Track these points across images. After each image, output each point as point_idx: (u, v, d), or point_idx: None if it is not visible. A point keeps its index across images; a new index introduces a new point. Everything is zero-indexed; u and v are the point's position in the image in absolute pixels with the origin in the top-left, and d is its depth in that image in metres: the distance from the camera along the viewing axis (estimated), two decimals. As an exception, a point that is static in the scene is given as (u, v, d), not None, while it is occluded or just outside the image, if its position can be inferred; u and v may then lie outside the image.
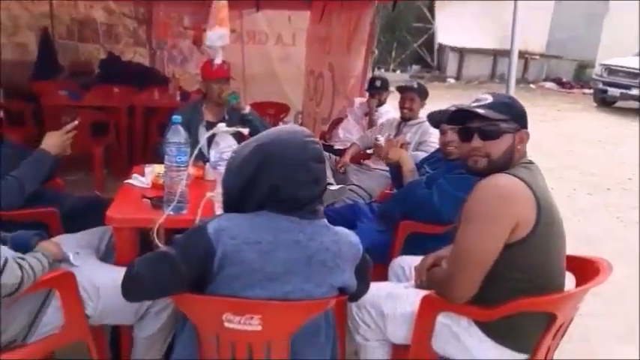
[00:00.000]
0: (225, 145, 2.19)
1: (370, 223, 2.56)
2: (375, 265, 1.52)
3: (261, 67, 6.09)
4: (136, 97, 4.99)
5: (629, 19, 14.01)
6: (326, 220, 1.39)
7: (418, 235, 2.30)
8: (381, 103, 4.20)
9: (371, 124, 4.12)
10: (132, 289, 1.34)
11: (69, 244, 1.83)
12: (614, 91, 11.75)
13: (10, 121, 4.59)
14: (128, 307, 1.65)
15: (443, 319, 1.61)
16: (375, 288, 1.63)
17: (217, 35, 2.76)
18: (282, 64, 6.12)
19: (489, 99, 1.59)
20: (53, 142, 2.20)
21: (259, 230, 1.29)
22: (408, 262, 2.05)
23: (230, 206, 1.37)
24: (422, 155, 2.99)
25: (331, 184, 3.19)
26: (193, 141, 1.97)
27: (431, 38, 16.20)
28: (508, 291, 1.49)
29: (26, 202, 2.07)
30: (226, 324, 1.31)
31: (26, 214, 2.07)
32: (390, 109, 4.24)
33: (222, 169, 2.23)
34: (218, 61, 2.81)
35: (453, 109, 1.66)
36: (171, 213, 1.81)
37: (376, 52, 5.65)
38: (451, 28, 15.09)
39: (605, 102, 12.36)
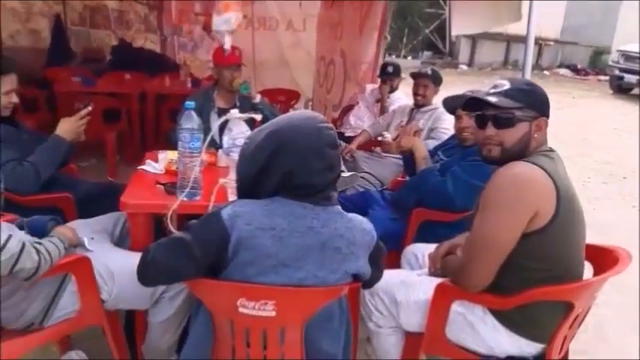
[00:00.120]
0: (237, 132, 2.19)
1: (382, 210, 2.55)
2: (387, 253, 1.51)
3: (271, 53, 6.05)
4: (148, 83, 5.00)
5: (647, 4, 13.73)
6: (340, 207, 1.38)
7: (431, 223, 2.28)
8: (392, 90, 4.17)
9: (382, 110, 4.09)
10: (147, 275, 1.34)
11: (84, 229, 1.84)
12: (630, 78, 11.57)
13: (24, 107, 4.62)
14: (143, 292, 1.66)
15: (457, 308, 1.61)
16: (388, 275, 1.62)
17: (223, 20, 2.74)
18: (292, 50, 6.08)
19: (506, 85, 1.56)
20: (68, 128, 2.21)
21: (273, 216, 1.28)
22: (421, 250, 2.04)
23: (244, 192, 1.37)
24: (433, 143, 2.96)
25: (343, 171, 3.18)
26: (205, 127, 1.96)
27: (443, 24, 16.01)
28: (525, 280, 1.48)
29: (41, 187, 2.09)
30: (240, 309, 1.31)
31: (41, 199, 2.09)
32: (401, 96, 4.21)
33: (234, 155, 2.23)
34: (227, 46, 2.80)
35: (469, 94, 1.64)
36: (185, 199, 1.81)
37: (388, 37, 5.59)
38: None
39: (621, 89, 12.17)
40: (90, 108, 2.24)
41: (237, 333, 1.36)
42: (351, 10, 4.90)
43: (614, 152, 6.78)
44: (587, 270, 1.64)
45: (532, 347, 1.56)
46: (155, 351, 1.85)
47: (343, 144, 3.73)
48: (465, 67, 15.80)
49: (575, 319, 1.55)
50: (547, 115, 1.56)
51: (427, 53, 16.54)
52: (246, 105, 2.79)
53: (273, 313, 1.31)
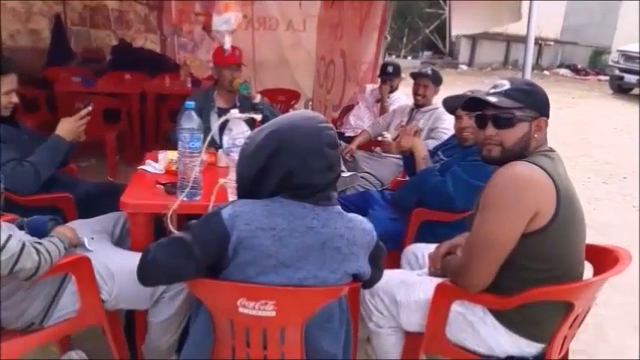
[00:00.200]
0: (237, 132, 2.18)
1: (382, 210, 2.55)
2: (387, 253, 1.51)
3: (271, 53, 6.05)
4: (148, 83, 5.00)
5: (647, 4, 13.73)
6: (340, 207, 1.38)
7: (431, 223, 2.28)
8: (392, 90, 4.16)
9: (382, 110, 4.09)
10: (148, 275, 1.34)
11: (84, 229, 1.84)
12: (630, 78, 11.56)
13: (24, 107, 4.62)
14: (143, 292, 1.66)
15: (457, 308, 1.61)
16: (388, 275, 1.62)
17: (223, 20, 2.74)
18: (292, 50, 6.08)
19: (506, 85, 1.56)
20: (68, 128, 2.21)
21: (273, 216, 1.28)
22: (421, 250, 2.04)
23: (244, 192, 1.37)
24: (433, 143, 2.96)
25: (343, 171, 3.18)
26: (205, 127, 1.96)
27: (443, 24, 16.00)
28: (525, 280, 1.48)
29: (41, 187, 2.09)
30: (241, 309, 1.31)
31: (41, 199, 2.09)
32: (401, 96, 4.20)
33: (235, 155, 2.23)
34: (227, 46, 2.80)
35: (470, 94, 1.64)
36: (185, 199, 1.81)
37: (388, 37, 5.59)
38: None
39: (621, 89, 12.17)
40: (90, 108, 2.24)
41: (237, 333, 1.36)
42: (351, 10, 4.90)
43: (614, 152, 6.78)
44: (587, 270, 1.64)
45: (532, 347, 1.56)
46: (155, 351, 1.85)
47: (343, 144, 3.74)
48: (464, 67, 15.80)
49: (575, 319, 1.55)
50: (547, 115, 1.56)
51: (427, 53, 16.53)
52: (247, 105, 2.79)
53: (274, 313, 1.31)
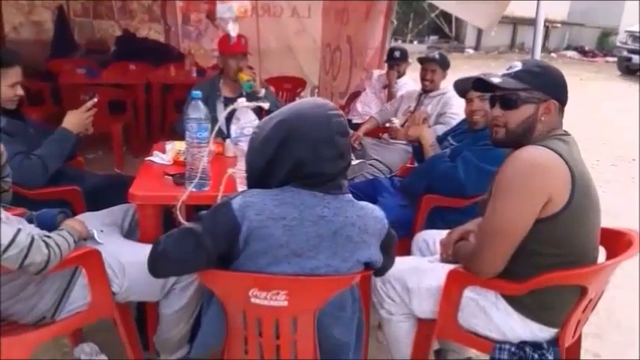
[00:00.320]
0: (245, 121, 2.17)
1: (392, 197, 2.53)
2: (398, 240, 1.50)
3: (276, 40, 5.99)
4: (153, 73, 4.97)
5: (655, -17, 13.47)
6: (351, 195, 1.37)
7: (441, 209, 2.27)
8: (400, 75, 4.12)
9: (390, 96, 4.05)
10: (158, 266, 1.33)
11: (93, 221, 1.84)
12: (638, 59, 11.39)
13: (28, 100, 4.62)
14: (154, 284, 1.66)
15: (470, 294, 1.59)
16: (400, 262, 1.61)
17: (227, 7, 2.71)
18: (297, 37, 6.02)
19: (518, 67, 1.54)
20: (75, 120, 2.20)
21: (284, 206, 1.27)
22: (431, 236, 2.03)
23: (254, 182, 1.35)
24: (441, 128, 2.93)
25: (351, 158, 3.15)
26: (212, 117, 1.95)
27: (448, 8, 15.79)
28: (537, 266, 1.46)
29: (49, 180, 2.09)
30: (252, 299, 1.30)
31: (49, 192, 2.09)
32: (408, 81, 4.16)
33: (243, 144, 2.22)
34: (233, 33, 2.76)
35: (482, 76, 1.61)
36: (194, 190, 1.80)
37: (395, 22, 5.52)
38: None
39: (629, 70, 12.02)
40: (95, 100, 2.23)
41: (249, 323, 1.36)
42: (356, -5, 4.84)
43: (623, 134, 6.71)
44: (600, 253, 1.62)
45: (545, 332, 1.55)
46: (167, 342, 1.86)
47: (351, 131, 3.70)
48: (471, 51, 15.63)
49: (588, 304, 1.54)
50: (560, 98, 1.53)
51: (433, 37, 16.35)
52: (252, 96, 2.76)
53: (286, 303, 1.31)
